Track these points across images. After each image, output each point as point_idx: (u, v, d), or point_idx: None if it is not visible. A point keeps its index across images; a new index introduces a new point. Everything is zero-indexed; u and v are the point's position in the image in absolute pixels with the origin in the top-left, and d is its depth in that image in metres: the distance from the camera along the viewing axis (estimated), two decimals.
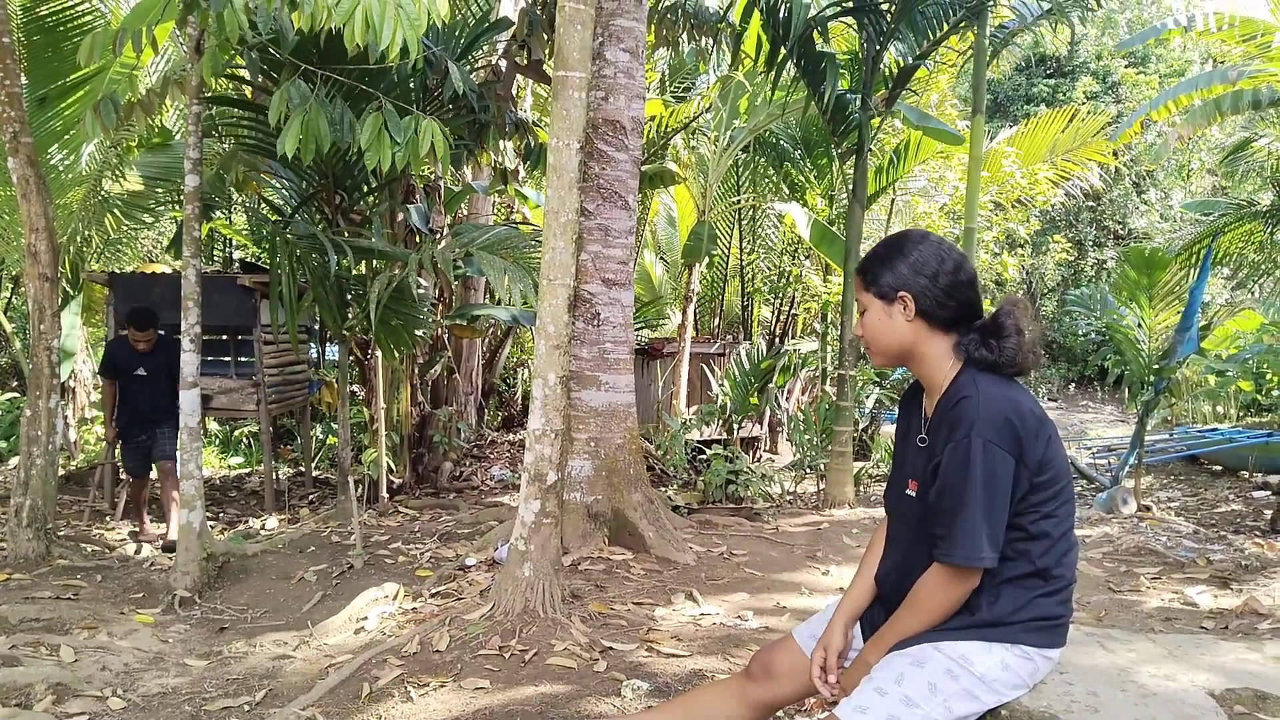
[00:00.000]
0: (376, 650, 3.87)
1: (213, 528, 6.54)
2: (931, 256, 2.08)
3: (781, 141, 10.91)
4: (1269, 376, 12.48)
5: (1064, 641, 2.10)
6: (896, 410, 2.44)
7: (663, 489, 7.42)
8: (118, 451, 7.03)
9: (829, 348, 10.23)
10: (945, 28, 7.27)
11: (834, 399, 7.85)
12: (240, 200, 9.37)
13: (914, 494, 2.13)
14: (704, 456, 7.85)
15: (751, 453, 9.51)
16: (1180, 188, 22.18)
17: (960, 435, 1.95)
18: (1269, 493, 8.22)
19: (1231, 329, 13.10)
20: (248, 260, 10.49)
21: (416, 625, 4.24)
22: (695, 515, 6.71)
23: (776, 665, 2.31)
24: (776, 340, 12.00)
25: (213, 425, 10.44)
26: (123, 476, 7.16)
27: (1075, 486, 10.12)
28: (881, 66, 7.49)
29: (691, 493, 7.46)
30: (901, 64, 7.58)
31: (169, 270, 9.90)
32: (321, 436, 9.84)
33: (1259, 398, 12.68)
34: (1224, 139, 17.32)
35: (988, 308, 2.19)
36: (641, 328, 11.74)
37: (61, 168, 8.25)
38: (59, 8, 7.53)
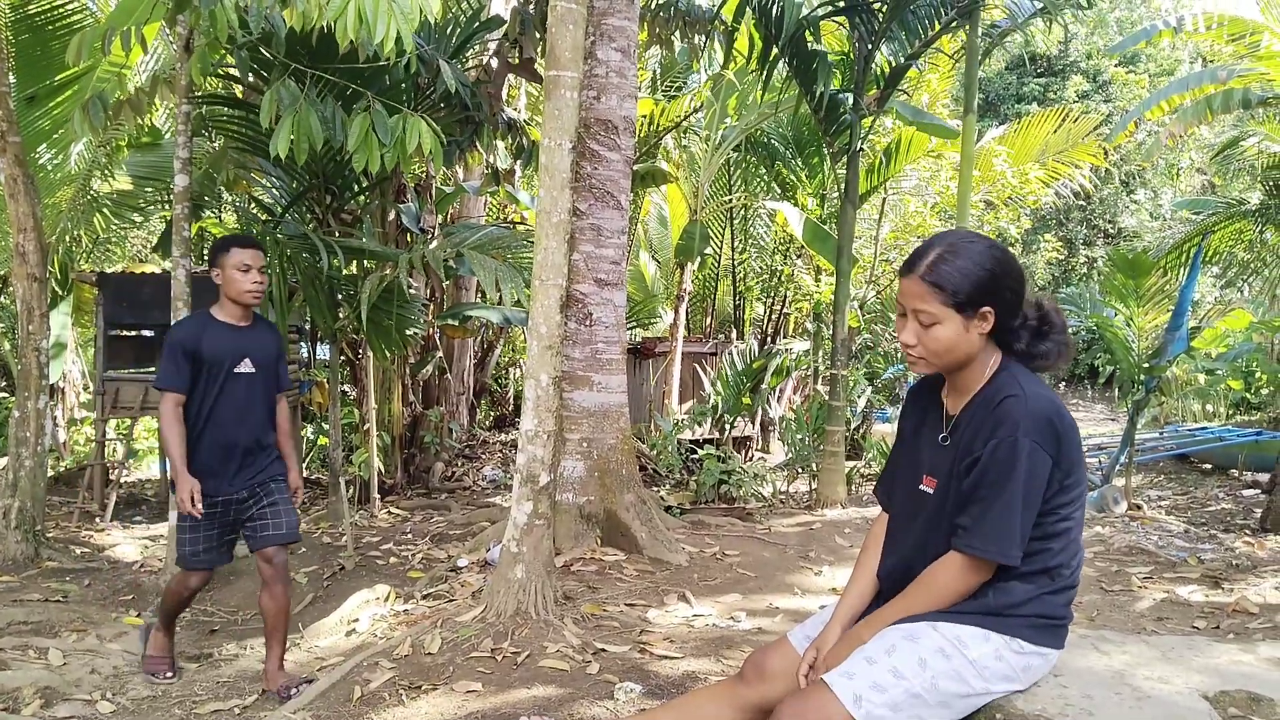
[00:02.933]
0: (368, 653, 3.85)
1: None
2: (1011, 268, 2.03)
3: (773, 141, 10.91)
4: (1258, 375, 12.53)
5: (1063, 643, 2.12)
6: (902, 406, 2.42)
7: (655, 489, 7.42)
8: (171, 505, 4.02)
9: (821, 347, 10.23)
10: (937, 27, 7.27)
11: (826, 398, 7.85)
12: (230, 199, 9.32)
13: (930, 490, 2.14)
14: (696, 456, 7.85)
15: (744, 452, 9.51)
16: (1170, 187, 22.26)
17: (1006, 433, 1.96)
18: (1259, 491, 8.25)
19: (1221, 328, 13.15)
20: None
21: (408, 627, 4.22)
22: (688, 515, 6.70)
23: (770, 667, 2.29)
24: (768, 340, 12.00)
25: None
26: (173, 567, 4.17)
27: None
28: (873, 66, 7.49)
29: (684, 493, 7.46)
30: (893, 63, 7.58)
31: (158, 270, 9.84)
32: (312, 437, 9.79)
33: (1248, 396, 12.74)
34: (1213, 138, 17.39)
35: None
36: (634, 327, 11.74)
37: (50, 167, 8.19)
38: (47, 6, 7.46)
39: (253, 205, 7.70)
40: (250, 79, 5.75)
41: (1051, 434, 1.96)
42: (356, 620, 4.43)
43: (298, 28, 3.97)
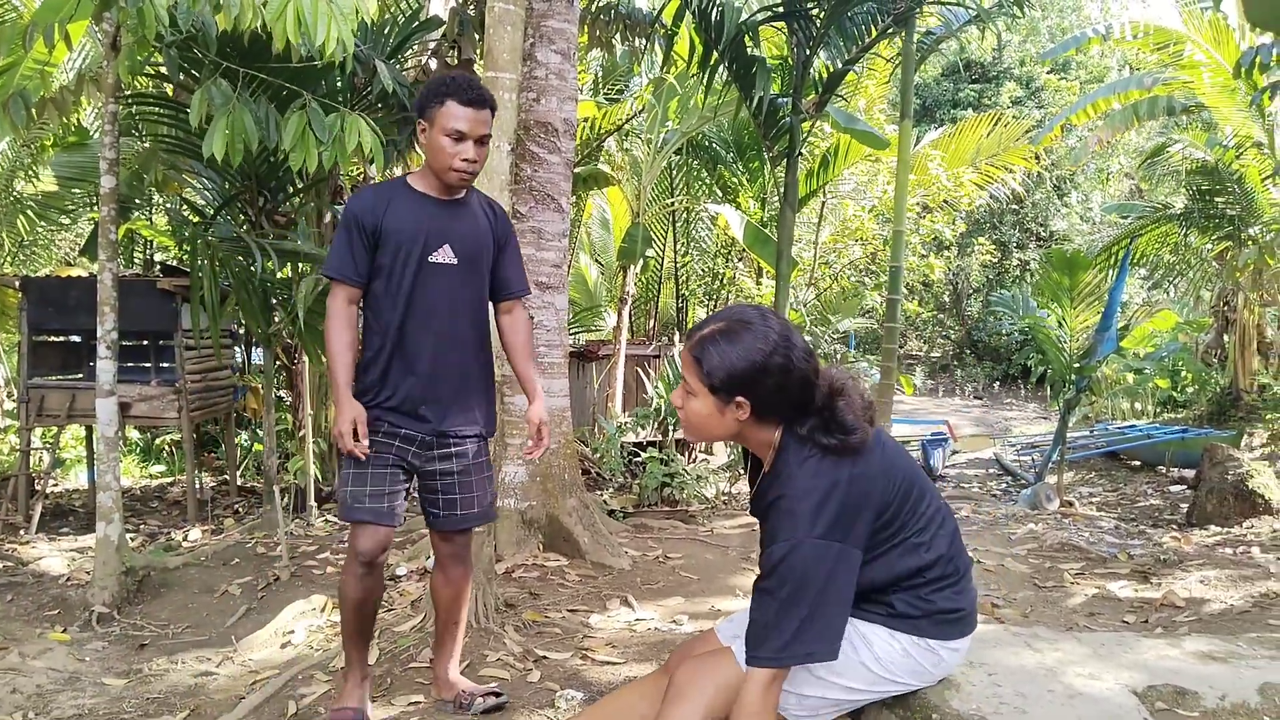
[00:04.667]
0: (303, 666, 3.78)
1: (132, 540, 6.33)
2: (776, 368, 1.94)
3: (714, 144, 10.97)
4: (1184, 374, 12.93)
5: (970, 630, 2.15)
6: None
7: (598, 493, 7.39)
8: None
9: None
10: (874, 33, 7.37)
11: None
12: (160, 201, 9.10)
13: None
14: (640, 459, 7.84)
15: (687, 454, 9.53)
16: (1099, 191, 22.87)
17: (779, 546, 1.91)
18: (1184, 487, 8.49)
19: (1149, 328, 13.54)
20: (168, 263, 10.21)
21: None
22: (631, 519, 6.70)
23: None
24: None
25: (133, 434, 10.13)
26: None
27: (1001, 484, 10.28)
28: (811, 71, 7.56)
29: (627, 496, 7.44)
30: (831, 69, 7.66)
31: (85, 274, 9.57)
32: (247, 444, 9.60)
33: (1175, 395, 13.13)
34: (1141, 143, 17.90)
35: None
36: (577, 330, 11.70)
37: None
38: None
39: (184, 206, 7.53)
40: (180, 78, 5.61)
41: (831, 518, 1.90)
42: (292, 632, 4.34)
43: (229, 29, 3.89)
